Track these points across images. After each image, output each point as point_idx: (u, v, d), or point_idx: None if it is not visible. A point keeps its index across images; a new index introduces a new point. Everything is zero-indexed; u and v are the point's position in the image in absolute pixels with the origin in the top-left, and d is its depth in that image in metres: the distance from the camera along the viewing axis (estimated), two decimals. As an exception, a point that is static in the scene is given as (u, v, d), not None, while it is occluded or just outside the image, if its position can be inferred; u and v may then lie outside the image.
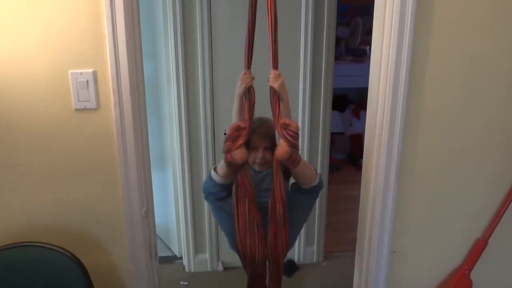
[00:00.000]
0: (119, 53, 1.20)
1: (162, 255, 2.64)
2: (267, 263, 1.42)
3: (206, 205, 2.56)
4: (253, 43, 1.30)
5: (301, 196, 1.41)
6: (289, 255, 1.82)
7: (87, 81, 1.22)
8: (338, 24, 2.66)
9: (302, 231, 2.71)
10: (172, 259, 2.83)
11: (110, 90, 1.23)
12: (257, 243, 1.35)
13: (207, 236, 2.64)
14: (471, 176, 1.49)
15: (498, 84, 1.39)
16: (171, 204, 2.74)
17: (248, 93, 1.29)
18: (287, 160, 1.29)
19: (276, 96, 1.28)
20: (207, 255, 2.67)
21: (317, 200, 2.62)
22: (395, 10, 1.25)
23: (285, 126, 1.27)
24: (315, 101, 2.51)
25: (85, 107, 1.25)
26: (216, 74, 2.35)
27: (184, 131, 2.42)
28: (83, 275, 1.24)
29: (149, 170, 1.38)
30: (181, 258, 2.80)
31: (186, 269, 2.70)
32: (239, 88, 1.30)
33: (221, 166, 1.37)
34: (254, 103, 1.31)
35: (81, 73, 1.22)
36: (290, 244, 1.44)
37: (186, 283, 2.59)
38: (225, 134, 2.41)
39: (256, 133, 1.40)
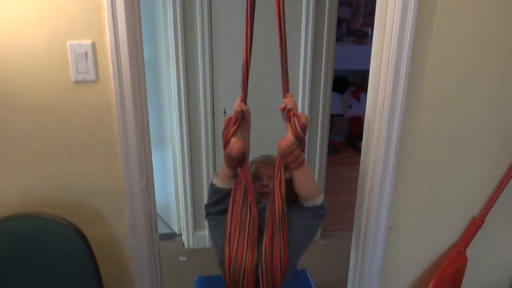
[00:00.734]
0: (117, 24, 1.18)
1: (162, 232, 2.67)
2: (260, 281, 1.23)
3: (205, 183, 2.58)
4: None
5: (301, 215, 1.29)
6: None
7: (86, 53, 1.21)
8: (340, 5, 2.64)
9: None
10: (171, 236, 2.87)
11: (109, 62, 1.22)
12: (245, 245, 1.21)
13: (206, 214, 2.66)
14: (470, 155, 1.49)
15: (501, 59, 1.38)
16: (171, 183, 2.76)
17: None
18: (289, 155, 1.22)
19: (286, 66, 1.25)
20: (206, 231, 2.70)
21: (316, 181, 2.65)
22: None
23: (295, 116, 1.23)
24: (316, 83, 2.50)
25: (84, 79, 1.24)
26: (215, 53, 2.34)
27: (184, 110, 2.42)
28: (85, 246, 1.25)
29: (149, 143, 1.38)
30: (180, 235, 2.83)
31: (186, 246, 2.74)
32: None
33: (221, 168, 1.34)
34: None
35: (79, 45, 1.20)
36: (289, 263, 1.28)
37: (185, 259, 2.62)
38: (224, 112, 2.43)
39: (261, 163, 1.42)
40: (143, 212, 1.39)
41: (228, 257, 1.23)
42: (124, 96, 1.25)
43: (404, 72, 1.32)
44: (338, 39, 3.67)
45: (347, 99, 4.47)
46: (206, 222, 1.38)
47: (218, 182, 1.33)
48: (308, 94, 2.48)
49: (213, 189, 1.35)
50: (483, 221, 1.55)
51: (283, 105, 1.24)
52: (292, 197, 1.33)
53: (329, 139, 2.76)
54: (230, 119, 1.29)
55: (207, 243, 2.71)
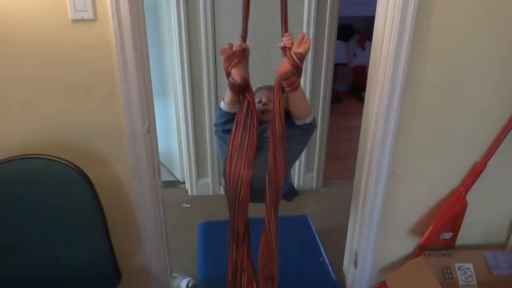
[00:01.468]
0: (115, -43, 1.13)
1: (165, 179, 2.70)
2: (267, 190, 1.39)
3: (208, 131, 2.58)
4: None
5: (292, 132, 1.43)
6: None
7: (83, -11, 1.16)
8: None
9: (303, 158, 2.75)
10: (175, 184, 2.91)
11: (107, -1, 1.18)
12: (243, 164, 1.37)
13: (209, 161, 2.69)
14: (474, 100, 1.47)
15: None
16: (174, 131, 2.76)
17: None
18: (286, 80, 1.30)
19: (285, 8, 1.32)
20: (209, 179, 2.74)
21: (318, 129, 2.64)
22: None
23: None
24: (320, 30, 2.43)
25: (82, 17, 1.20)
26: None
27: (185, 56, 2.37)
28: (88, 186, 1.26)
29: (150, 84, 1.36)
30: (183, 182, 2.88)
31: (189, 193, 2.78)
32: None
33: (227, 93, 1.43)
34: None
35: (76, -20, 1.15)
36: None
37: (189, 205, 2.68)
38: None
39: (261, 88, 1.53)
40: (146, 155, 1.40)
41: (229, 172, 1.39)
42: (123, 35, 1.21)
43: (410, 15, 1.28)
44: (345, -17, 3.52)
45: (352, 47, 4.37)
46: (215, 137, 1.56)
47: (225, 106, 1.45)
48: (312, 41, 2.41)
49: (221, 112, 1.47)
50: (485, 166, 1.55)
51: (281, 43, 1.32)
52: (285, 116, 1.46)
53: (333, 88, 2.72)
54: (227, 51, 1.36)
55: (210, 190, 2.76)
